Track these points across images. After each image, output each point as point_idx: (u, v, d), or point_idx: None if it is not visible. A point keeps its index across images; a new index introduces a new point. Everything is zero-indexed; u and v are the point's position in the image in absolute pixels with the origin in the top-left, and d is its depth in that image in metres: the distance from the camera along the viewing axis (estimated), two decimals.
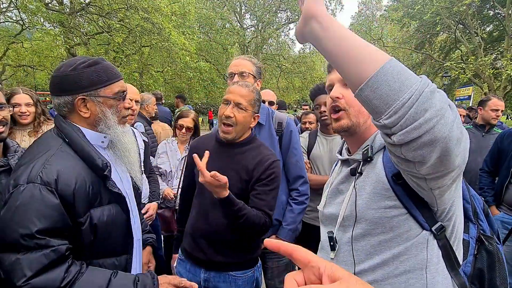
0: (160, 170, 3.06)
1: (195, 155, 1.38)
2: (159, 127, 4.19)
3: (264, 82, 25.17)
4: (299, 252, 0.42)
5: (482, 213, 1.04)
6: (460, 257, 0.93)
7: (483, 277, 0.95)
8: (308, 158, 2.63)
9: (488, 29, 18.29)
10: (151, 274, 1.21)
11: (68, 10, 14.02)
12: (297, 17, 27.58)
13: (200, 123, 3.44)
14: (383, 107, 0.66)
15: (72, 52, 14.74)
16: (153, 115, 4.20)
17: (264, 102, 3.07)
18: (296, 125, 3.81)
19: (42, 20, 13.64)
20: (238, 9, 27.20)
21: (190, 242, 1.67)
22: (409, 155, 0.69)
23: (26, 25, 14.54)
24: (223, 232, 1.59)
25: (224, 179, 1.34)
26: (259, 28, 27.27)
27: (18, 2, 13.19)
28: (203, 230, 1.63)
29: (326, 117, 2.47)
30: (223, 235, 1.60)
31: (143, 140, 2.76)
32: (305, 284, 0.40)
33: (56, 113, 1.25)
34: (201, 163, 1.35)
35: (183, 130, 3.05)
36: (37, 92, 3.04)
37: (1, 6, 14.01)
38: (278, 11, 27.20)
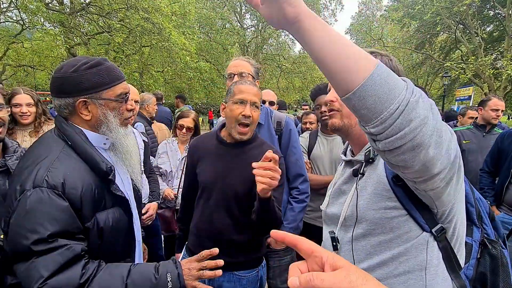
0: (160, 170, 3.06)
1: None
2: (156, 127, 4.20)
3: (264, 82, 25.23)
4: (303, 243, 0.44)
5: (487, 217, 1.04)
6: (462, 259, 0.93)
7: (486, 281, 0.95)
8: (309, 158, 2.63)
9: (488, 29, 18.30)
10: (173, 259, 1.19)
11: (68, 10, 14.03)
12: None
13: (200, 123, 3.44)
14: (370, 116, 0.66)
15: (72, 52, 14.75)
16: (154, 115, 4.21)
17: (264, 102, 3.08)
18: (297, 126, 3.83)
19: (42, 20, 13.63)
20: (238, 9, 27.19)
21: (195, 242, 1.67)
22: (392, 159, 0.71)
23: (26, 25, 14.54)
24: (227, 232, 1.59)
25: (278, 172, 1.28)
26: (259, 28, 27.27)
27: (18, 2, 13.20)
28: (208, 231, 1.63)
29: (326, 118, 2.47)
30: (228, 235, 1.60)
31: (143, 140, 2.76)
32: None
33: (56, 113, 1.23)
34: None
35: (184, 130, 3.06)
36: (37, 92, 3.04)
37: (1, 6, 14.02)
38: None
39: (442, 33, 18.15)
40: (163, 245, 3.11)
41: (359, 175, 1.02)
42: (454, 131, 3.68)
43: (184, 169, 3.02)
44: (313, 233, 2.33)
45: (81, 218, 1.07)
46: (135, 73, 15.67)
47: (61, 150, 1.12)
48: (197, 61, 17.29)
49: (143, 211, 2.51)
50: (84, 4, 14.04)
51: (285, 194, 2.12)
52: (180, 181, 3.00)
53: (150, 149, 3.51)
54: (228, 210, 1.60)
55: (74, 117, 1.18)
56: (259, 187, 1.31)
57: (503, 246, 1.02)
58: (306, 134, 2.79)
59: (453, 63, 16.10)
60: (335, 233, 1.06)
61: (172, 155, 3.07)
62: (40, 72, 19.81)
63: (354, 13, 34.71)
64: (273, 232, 0.47)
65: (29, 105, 2.43)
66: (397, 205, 0.90)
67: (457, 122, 4.96)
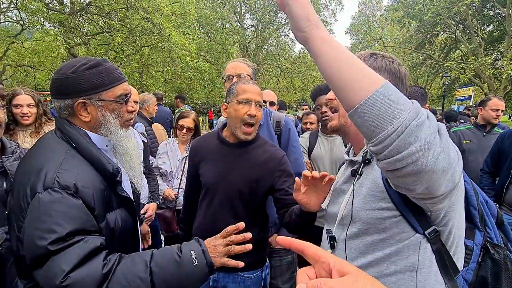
0: (160, 171, 3.06)
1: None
2: (152, 127, 4.21)
3: (264, 82, 25.24)
4: (310, 248, 0.44)
5: (492, 221, 1.02)
6: (459, 263, 0.92)
7: (487, 285, 0.94)
8: (309, 158, 2.63)
9: (488, 29, 18.31)
10: (196, 239, 1.15)
11: (68, 10, 14.04)
12: None
13: (200, 123, 3.44)
14: (370, 134, 0.68)
15: (72, 52, 14.76)
16: (154, 115, 4.21)
17: (265, 102, 3.08)
18: (297, 126, 3.83)
19: (42, 20, 13.63)
20: (238, 9, 27.21)
21: None
22: (394, 181, 0.72)
23: (26, 25, 14.55)
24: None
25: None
26: (259, 28, 27.29)
27: (18, 2, 13.20)
28: (212, 231, 1.62)
29: (327, 118, 2.47)
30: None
31: (142, 141, 2.76)
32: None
33: (57, 115, 1.22)
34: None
35: (184, 131, 3.06)
36: (37, 92, 3.04)
37: (1, 6, 14.02)
38: (279, 11, 27.16)
39: (442, 33, 18.15)
40: (163, 245, 3.11)
41: (357, 175, 1.04)
42: (454, 131, 3.69)
43: (184, 169, 3.04)
44: (313, 233, 2.33)
45: (95, 218, 1.05)
46: (135, 73, 15.68)
47: (66, 152, 1.10)
48: (197, 61, 17.29)
49: (142, 212, 2.51)
50: (84, 4, 14.04)
51: None
52: (180, 181, 3.00)
53: (151, 149, 3.51)
54: (232, 211, 1.60)
55: (74, 119, 1.16)
56: (316, 200, 1.21)
57: None
58: (306, 134, 2.80)
59: (453, 63, 16.11)
60: (331, 232, 1.08)
61: (173, 155, 3.07)
62: (40, 72, 19.82)
63: (354, 13, 34.76)
64: (280, 238, 0.46)
65: (30, 105, 2.43)
66: (391, 206, 0.91)
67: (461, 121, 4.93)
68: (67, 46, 14.33)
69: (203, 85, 19.97)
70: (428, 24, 17.03)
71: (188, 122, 3.06)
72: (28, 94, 2.45)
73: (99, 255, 0.97)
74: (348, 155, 1.18)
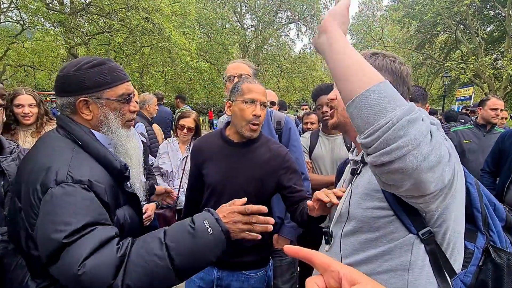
0: (161, 170, 3.07)
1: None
2: None
3: (264, 82, 25.21)
4: (318, 257, 0.43)
5: (497, 224, 1.01)
6: (457, 265, 0.92)
7: None
8: (310, 158, 2.63)
9: (488, 29, 18.31)
10: (206, 209, 1.14)
11: (68, 10, 14.05)
12: (297, 17, 27.62)
13: (200, 123, 3.45)
14: (363, 126, 0.71)
15: (72, 52, 14.77)
16: (155, 115, 4.22)
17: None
18: (297, 126, 3.83)
19: (42, 20, 13.64)
20: (239, 9, 27.21)
21: None
22: (382, 177, 0.74)
23: (27, 25, 14.56)
24: None
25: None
26: (260, 28, 27.30)
27: (18, 2, 13.21)
28: None
29: (327, 118, 2.48)
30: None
31: (142, 141, 2.77)
32: None
33: (59, 113, 1.21)
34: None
35: (185, 130, 3.06)
36: (37, 92, 3.04)
37: (2, 6, 14.03)
38: (279, 11, 27.24)
39: (442, 33, 18.15)
40: None
41: (355, 174, 1.06)
42: (454, 131, 3.69)
43: (185, 169, 3.04)
44: (314, 232, 2.34)
45: (108, 212, 1.04)
46: (135, 73, 15.69)
47: (73, 149, 1.09)
48: (197, 61, 17.30)
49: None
50: (84, 4, 14.05)
51: None
52: (181, 181, 3.01)
53: (151, 149, 3.52)
54: None
55: (76, 117, 1.16)
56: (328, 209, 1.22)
57: None
58: (307, 134, 2.80)
59: (453, 63, 16.10)
60: (329, 228, 1.10)
61: (173, 155, 3.07)
62: (40, 72, 19.82)
63: (354, 13, 34.69)
64: (287, 247, 0.46)
65: (31, 105, 2.43)
66: (385, 205, 0.92)
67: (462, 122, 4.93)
68: (68, 46, 14.34)
69: (203, 85, 19.98)
70: (428, 24, 17.03)
71: (189, 122, 3.07)
72: (30, 94, 2.45)
73: (112, 242, 0.96)
74: (352, 154, 1.20)
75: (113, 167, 1.12)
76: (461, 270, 0.93)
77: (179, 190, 2.97)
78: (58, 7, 13.96)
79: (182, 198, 2.92)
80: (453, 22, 15.62)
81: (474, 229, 0.99)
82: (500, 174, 2.88)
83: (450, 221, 0.88)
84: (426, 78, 23.27)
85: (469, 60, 15.43)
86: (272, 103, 3.67)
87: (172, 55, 15.29)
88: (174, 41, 14.20)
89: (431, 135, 0.69)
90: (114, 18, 14.20)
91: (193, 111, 3.45)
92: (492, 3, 14.93)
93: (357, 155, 1.15)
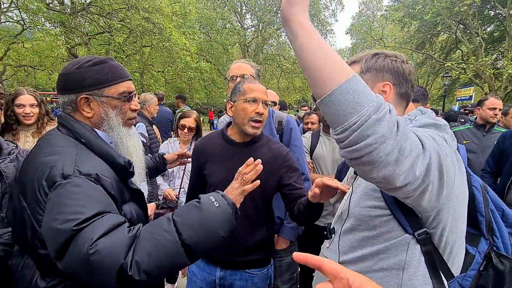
0: None
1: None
2: None
3: (264, 82, 25.19)
4: (328, 264, 0.44)
5: (502, 230, 0.99)
6: (455, 268, 0.92)
7: None
8: (311, 158, 2.64)
9: (489, 29, 18.31)
10: (217, 192, 1.17)
11: (69, 10, 14.06)
12: None
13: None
14: (334, 123, 0.73)
15: (73, 52, 14.78)
16: (155, 115, 4.22)
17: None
18: (298, 126, 3.83)
19: (43, 20, 13.65)
20: (239, 9, 27.23)
21: None
22: (355, 168, 0.77)
23: (27, 25, 14.57)
24: (242, 233, 1.59)
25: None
26: (260, 28, 27.33)
27: (19, 2, 13.22)
28: None
29: None
30: (243, 235, 1.60)
31: (141, 141, 2.77)
32: None
33: (61, 112, 1.21)
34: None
35: (185, 130, 3.06)
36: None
37: (2, 6, 14.05)
38: (279, 11, 27.06)
39: (442, 33, 18.16)
40: None
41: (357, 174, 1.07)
42: (454, 131, 3.69)
43: (186, 169, 3.04)
44: (315, 232, 2.34)
45: (116, 205, 1.05)
46: (135, 73, 15.70)
47: (77, 146, 1.09)
48: (197, 61, 17.35)
49: None
50: (84, 4, 14.06)
51: None
52: (181, 181, 3.01)
53: (152, 149, 3.53)
54: (244, 211, 1.61)
55: (77, 115, 1.17)
56: (326, 197, 1.27)
57: None
58: (308, 134, 2.80)
59: (453, 63, 16.11)
60: (330, 225, 1.13)
61: None
62: (41, 72, 19.84)
63: (355, 13, 34.73)
64: (295, 254, 0.46)
65: (33, 105, 2.43)
66: (382, 205, 0.94)
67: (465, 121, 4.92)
68: (68, 46, 14.35)
69: (203, 85, 20.00)
70: (428, 24, 17.04)
71: (189, 122, 3.07)
72: (31, 94, 2.45)
73: (124, 225, 0.96)
74: None
75: (116, 163, 1.12)
76: (460, 274, 0.93)
77: (179, 190, 2.97)
78: (58, 7, 13.97)
79: (183, 198, 2.93)
80: (453, 22, 15.63)
81: (477, 233, 0.99)
82: (501, 175, 2.88)
83: (447, 222, 0.88)
84: (426, 78, 23.27)
85: (470, 60, 15.44)
86: (273, 103, 3.68)
87: (173, 55, 15.30)
88: (174, 41, 14.22)
89: (397, 127, 0.70)
90: (115, 18, 14.22)
91: (194, 111, 3.45)
92: (493, 3, 14.92)
93: None
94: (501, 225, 1.00)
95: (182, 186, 2.99)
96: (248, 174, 1.21)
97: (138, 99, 2.89)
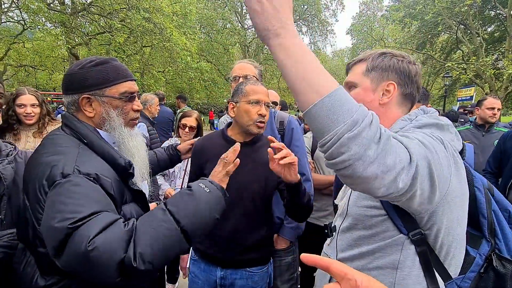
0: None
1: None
2: None
3: (265, 83, 25.11)
4: (336, 266, 0.44)
5: (506, 232, 0.98)
6: (452, 269, 0.92)
7: None
8: (312, 158, 2.63)
9: (489, 29, 18.29)
10: (202, 178, 1.23)
11: (69, 10, 14.07)
12: (298, 17, 27.64)
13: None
14: (316, 136, 0.76)
15: (73, 52, 14.79)
16: (156, 115, 4.22)
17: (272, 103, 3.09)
18: (299, 125, 3.83)
19: (43, 20, 13.67)
20: (239, 9, 27.23)
21: (208, 242, 1.67)
22: (340, 177, 0.78)
23: (28, 25, 14.57)
24: (243, 232, 1.60)
25: (295, 158, 1.38)
26: None
27: (19, 2, 13.24)
28: (222, 230, 1.63)
29: None
30: (243, 234, 1.61)
31: None
32: None
33: (65, 112, 1.22)
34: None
35: (186, 129, 3.06)
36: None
37: (3, 6, 14.06)
38: None
39: (443, 33, 18.17)
40: None
41: None
42: None
43: (187, 169, 3.04)
44: (316, 232, 2.34)
45: (115, 206, 1.05)
46: (136, 73, 15.71)
47: (79, 147, 1.10)
48: (198, 61, 17.33)
49: None
50: (85, 4, 14.07)
51: None
52: (182, 181, 3.01)
53: (153, 149, 3.52)
54: (244, 210, 1.62)
55: (80, 115, 1.18)
56: (288, 170, 1.40)
57: None
58: (309, 134, 2.79)
59: (454, 63, 16.11)
60: (331, 223, 1.15)
61: None
62: (41, 72, 19.86)
63: (355, 13, 34.71)
64: (304, 255, 0.47)
65: (34, 105, 2.44)
66: (378, 205, 0.95)
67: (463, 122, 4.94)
68: (68, 46, 14.35)
69: (204, 85, 20.00)
70: (429, 24, 17.04)
71: (190, 121, 3.07)
72: (32, 94, 2.45)
73: (119, 220, 0.97)
74: None
75: (117, 163, 1.13)
76: (459, 275, 0.92)
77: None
78: (59, 7, 13.98)
79: None
80: (454, 22, 15.62)
81: (479, 235, 0.98)
82: (502, 175, 2.88)
83: (442, 224, 0.87)
84: (427, 78, 23.25)
85: (470, 60, 15.42)
86: (274, 103, 3.67)
87: (173, 55, 15.31)
88: (175, 41, 14.22)
89: (379, 141, 0.70)
90: (115, 18, 14.22)
91: (195, 111, 3.45)
92: (493, 4, 14.92)
93: None
94: (505, 227, 0.98)
95: (183, 186, 2.99)
96: (228, 156, 1.27)
97: (139, 99, 2.90)
